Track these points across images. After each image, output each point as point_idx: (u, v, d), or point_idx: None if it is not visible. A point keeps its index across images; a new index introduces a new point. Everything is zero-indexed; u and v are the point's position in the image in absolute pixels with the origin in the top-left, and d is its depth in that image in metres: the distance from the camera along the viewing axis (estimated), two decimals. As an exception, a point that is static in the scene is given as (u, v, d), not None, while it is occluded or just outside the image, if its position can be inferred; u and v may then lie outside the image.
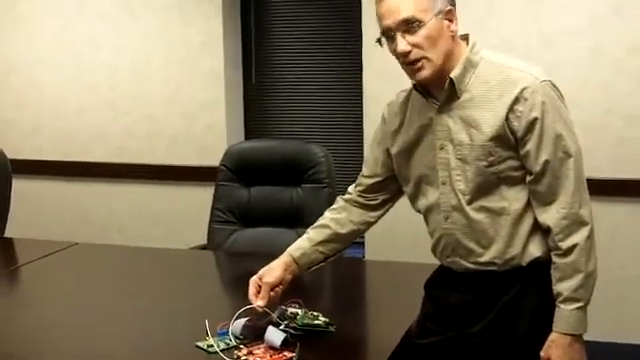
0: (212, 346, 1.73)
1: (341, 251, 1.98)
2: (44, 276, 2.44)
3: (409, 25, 1.62)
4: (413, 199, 1.83)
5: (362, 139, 3.48)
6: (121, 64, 3.83)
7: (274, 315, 1.83)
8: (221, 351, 1.70)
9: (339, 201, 1.96)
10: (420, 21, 1.62)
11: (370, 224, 1.95)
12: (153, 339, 1.88)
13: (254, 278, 1.87)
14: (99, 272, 2.51)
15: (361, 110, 3.52)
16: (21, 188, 3.35)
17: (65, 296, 2.26)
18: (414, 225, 1.95)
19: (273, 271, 1.87)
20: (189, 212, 3.71)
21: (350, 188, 1.97)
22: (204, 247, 2.89)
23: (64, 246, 2.73)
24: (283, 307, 1.86)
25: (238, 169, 2.91)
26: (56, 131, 3.96)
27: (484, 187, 1.68)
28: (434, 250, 1.82)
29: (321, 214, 1.97)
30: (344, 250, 2.00)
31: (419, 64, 1.65)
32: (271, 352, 1.68)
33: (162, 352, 1.79)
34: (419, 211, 1.82)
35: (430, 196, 1.77)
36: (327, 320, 1.84)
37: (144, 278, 2.41)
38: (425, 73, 1.66)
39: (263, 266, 1.89)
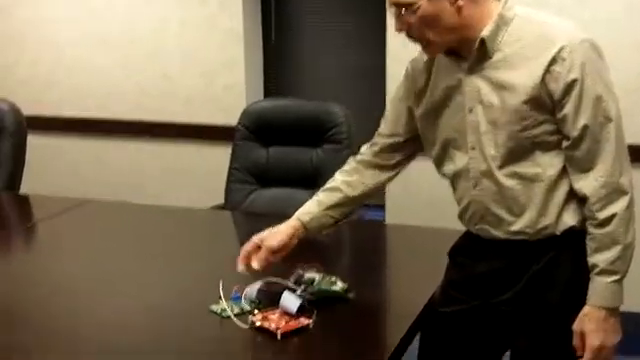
0: (225, 310, 1.67)
1: (351, 214, 1.91)
2: (60, 233, 2.41)
3: (401, 7, 1.56)
4: (439, 164, 1.74)
5: (384, 100, 3.38)
6: (138, 22, 3.75)
7: (290, 280, 1.77)
8: (235, 315, 1.65)
9: (351, 162, 1.88)
10: (411, 4, 1.55)
11: (382, 185, 1.87)
12: (167, 300, 1.82)
13: (255, 238, 1.80)
14: (115, 230, 2.46)
15: (383, 70, 3.41)
16: (37, 144, 3.31)
17: (81, 253, 2.22)
18: (436, 189, 1.86)
19: (277, 235, 1.79)
20: (207, 171, 3.66)
21: (363, 148, 1.88)
22: (222, 207, 2.83)
23: (80, 203, 2.68)
24: (300, 271, 1.79)
25: (256, 128, 2.83)
26: (72, 87, 3.90)
27: (516, 152, 1.59)
28: (461, 217, 1.73)
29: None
30: (353, 212, 1.93)
31: (423, 44, 1.62)
32: (286, 318, 1.61)
33: (176, 314, 1.74)
34: (445, 176, 1.74)
35: (458, 161, 1.68)
36: (345, 286, 1.77)
37: (160, 237, 2.36)
38: (431, 53, 1.65)
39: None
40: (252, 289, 1.72)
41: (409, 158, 1.85)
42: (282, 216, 1.85)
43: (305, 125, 2.77)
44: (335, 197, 1.84)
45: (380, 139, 1.84)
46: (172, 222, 2.55)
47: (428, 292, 1.81)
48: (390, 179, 1.87)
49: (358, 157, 1.87)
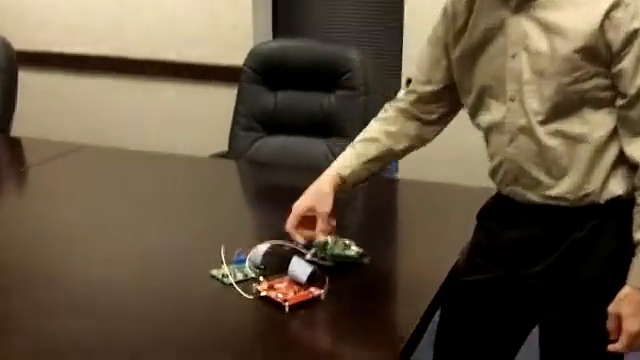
0: (227, 276, 1.50)
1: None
2: (54, 179, 2.26)
3: None
4: (473, 113, 1.54)
5: (401, 47, 3.15)
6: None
7: (299, 243, 1.59)
8: (237, 282, 1.47)
9: (388, 110, 1.67)
10: None
11: (426, 141, 1.67)
12: (164, 264, 1.65)
13: (301, 206, 1.59)
14: (110, 177, 2.29)
15: (401, 14, 3.18)
16: (29, 82, 3.11)
17: (76, 200, 2.07)
18: (459, 139, 1.64)
19: (326, 197, 1.59)
20: (210, 116, 3.44)
21: (400, 94, 1.67)
22: (225, 155, 2.64)
23: (75, 148, 2.50)
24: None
25: (264, 71, 2.62)
26: (66, 23, 3.67)
27: (563, 108, 1.39)
28: (492, 175, 1.54)
29: (355, 124, 1.70)
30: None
31: None
32: (295, 288, 1.44)
33: (173, 279, 1.57)
34: (479, 127, 1.54)
35: (495, 112, 1.48)
36: (360, 251, 1.59)
37: (159, 187, 2.17)
38: None
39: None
40: (257, 252, 1.55)
41: (452, 112, 1.65)
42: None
43: (317, 68, 2.55)
44: (375, 149, 1.64)
45: (417, 86, 1.64)
46: (171, 170, 2.36)
47: (451, 259, 1.63)
48: (436, 133, 1.67)
49: (397, 104, 1.66)
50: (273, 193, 2.19)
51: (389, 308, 1.53)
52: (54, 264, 1.65)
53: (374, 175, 1.68)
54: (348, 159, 1.65)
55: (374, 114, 1.72)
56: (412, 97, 1.64)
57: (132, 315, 1.43)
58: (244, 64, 2.66)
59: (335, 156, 1.71)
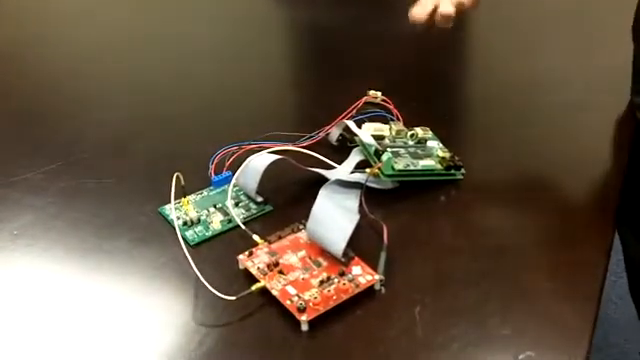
0: (186, 226, 0.76)
1: None
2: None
3: None
4: None
5: None
6: None
7: (333, 138, 0.83)
8: (202, 243, 0.74)
9: None
10: None
11: None
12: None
13: None
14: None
15: None
16: None
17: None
18: None
19: None
20: None
21: None
22: None
23: None
24: (352, 121, 0.84)
25: None
26: None
27: None
28: None
29: None
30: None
31: None
32: (323, 264, 0.70)
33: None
34: None
35: None
36: (450, 154, 0.82)
37: None
38: None
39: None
40: (255, 168, 0.78)
41: None
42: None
43: None
44: None
45: None
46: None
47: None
48: None
49: None
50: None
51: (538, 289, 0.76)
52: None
53: None
54: None
55: None
56: None
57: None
58: None
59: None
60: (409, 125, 0.86)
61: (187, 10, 1.33)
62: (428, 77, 1.08)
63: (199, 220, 0.75)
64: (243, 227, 0.74)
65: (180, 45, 1.19)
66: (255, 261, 0.69)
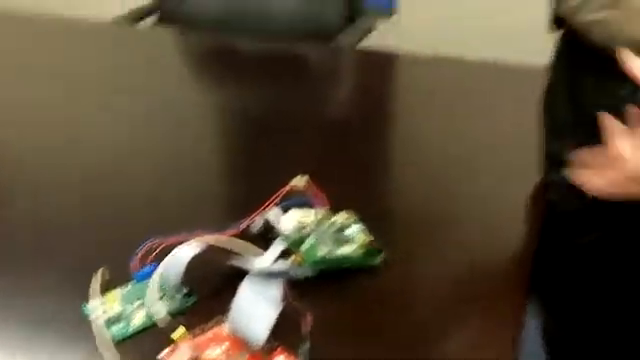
0: (110, 322, 0.76)
1: None
2: None
3: None
4: None
5: None
6: None
7: (255, 226, 0.85)
8: (123, 341, 0.74)
9: None
10: None
11: None
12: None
13: None
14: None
15: None
16: None
17: None
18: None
19: None
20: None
21: None
22: (148, 12, 1.80)
23: None
24: (277, 208, 0.87)
25: None
26: None
27: None
28: None
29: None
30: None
31: None
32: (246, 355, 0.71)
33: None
34: None
35: None
36: (370, 239, 0.85)
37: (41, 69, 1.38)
38: None
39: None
40: (178, 261, 0.79)
41: None
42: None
43: None
44: None
45: None
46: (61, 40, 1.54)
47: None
48: None
49: None
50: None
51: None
52: None
53: None
54: None
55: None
56: None
57: None
58: None
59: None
60: (335, 209, 0.88)
61: (108, 102, 1.35)
62: (352, 162, 1.12)
63: (122, 316, 0.76)
64: (165, 323, 0.74)
65: (106, 139, 1.21)
66: (177, 357, 0.70)
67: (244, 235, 0.87)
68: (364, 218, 0.89)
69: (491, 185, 1.03)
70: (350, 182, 1.03)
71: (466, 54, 1.39)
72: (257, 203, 0.91)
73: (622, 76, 0.74)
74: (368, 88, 1.33)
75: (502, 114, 1.22)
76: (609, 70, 0.79)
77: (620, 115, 0.77)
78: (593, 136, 0.85)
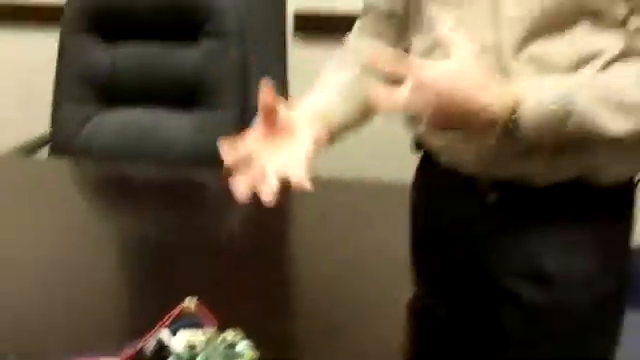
0: None
1: None
2: None
3: None
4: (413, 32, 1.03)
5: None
6: None
7: (148, 349, 0.89)
8: None
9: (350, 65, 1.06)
10: None
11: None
12: None
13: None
14: None
15: None
16: None
17: None
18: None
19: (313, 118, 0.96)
20: (26, 70, 2.54)
21: (351, 39, 1.12)
22: (46, 142, 1.86)
23: None
24: (167, 330, 0.92)
25: (95, 15, 1.84)
26: None
27: (555, 20, 0.91)
28: None
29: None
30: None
31: None
32: None
33: None
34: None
35: (441, 25, 0.93)
36: (257, 355, 0.91)
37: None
38: None
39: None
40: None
41: None
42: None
43: (169, 12, 1.80)
44: (358, 87, 1.02)
45: (370, 17, 1.09)
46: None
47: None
48: None
49: (352, 54, 1.08)
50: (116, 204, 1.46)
51: None
52: None
53: None
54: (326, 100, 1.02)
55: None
56: (365, 36, 1.10)
57: None
58: (66, 3, 1.86)
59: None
60: (224, 327, 0.94)
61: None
62: (243, 280, 1.18)
63: None
64: None
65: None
66: None
67: (139, 356, 0.91)
68: (250, 335, 0.95)
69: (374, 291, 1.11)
70: (239, 301, 1.09)
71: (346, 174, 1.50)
72: (150, 326, 0.95)
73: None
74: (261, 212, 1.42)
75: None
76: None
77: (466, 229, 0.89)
78: (452, 249, 0.97)
